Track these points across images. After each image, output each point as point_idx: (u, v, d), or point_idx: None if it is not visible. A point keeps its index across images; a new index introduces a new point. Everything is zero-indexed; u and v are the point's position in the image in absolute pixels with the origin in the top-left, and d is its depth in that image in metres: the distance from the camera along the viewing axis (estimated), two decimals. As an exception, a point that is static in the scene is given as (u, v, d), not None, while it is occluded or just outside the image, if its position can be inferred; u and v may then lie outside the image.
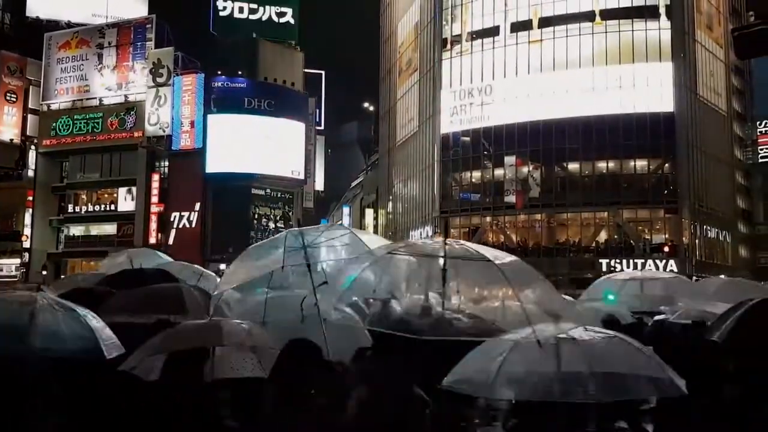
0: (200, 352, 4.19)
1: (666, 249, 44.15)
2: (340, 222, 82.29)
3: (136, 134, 51.39)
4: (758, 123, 60.07)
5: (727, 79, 55.68)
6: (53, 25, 56.88)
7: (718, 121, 53.07)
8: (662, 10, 46.74)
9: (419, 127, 58.10)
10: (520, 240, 48.98)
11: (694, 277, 44.96)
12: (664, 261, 43.75)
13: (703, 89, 50.33)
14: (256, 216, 50.26)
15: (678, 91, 46.07)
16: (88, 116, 53.48)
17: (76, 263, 53.82)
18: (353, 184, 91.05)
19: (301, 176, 52.43)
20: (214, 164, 48.62)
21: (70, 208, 53.96)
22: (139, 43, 52.57)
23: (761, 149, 59.48)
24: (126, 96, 52.85)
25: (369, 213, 68.41)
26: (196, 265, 9.62)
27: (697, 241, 47.34)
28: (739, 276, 53.02)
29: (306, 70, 57.45)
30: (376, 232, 65.66)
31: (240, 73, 51.37)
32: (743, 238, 56.98)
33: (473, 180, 52.22)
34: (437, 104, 53.72)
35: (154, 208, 50.00)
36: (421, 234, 56.03)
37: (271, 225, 50.77)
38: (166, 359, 4.07)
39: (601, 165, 47.32)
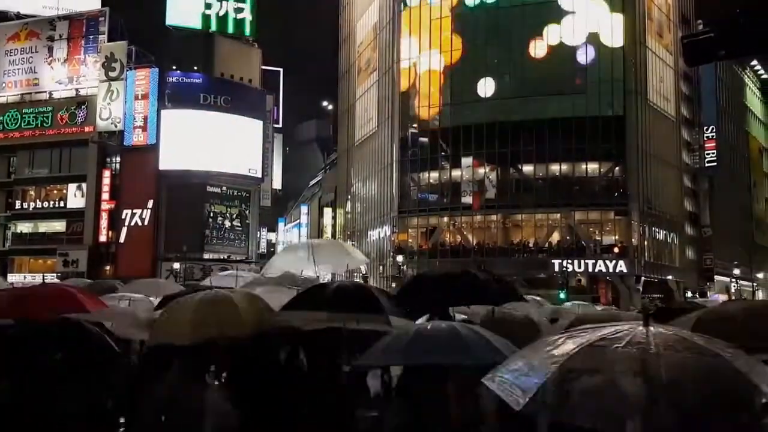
0: None
1: (616, 250, 45.30)
2: (298, 221, 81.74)
3: (87, 129, 50.18)
4: (705, 128, 62.02)
5: (676, 85, 57.39)
6: (2, 16, 54.96)
7: (667, 126, 54.65)
8: (615, 17, 47.91)
9: (378, 127, 58.19)
10: (476, 240, 49.55)
11: (643, 277, 46.58)
12: (614, 262, 44.94)
13: (653, 95, 51.79)
14: (212, 214, 49.56)
15: (629, 96, 47.32)
16: (37, 110, 51.96)
17: (23, 261, 52.22)
18: (312, 183, 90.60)
19: (259, 174, 51.93)
20: (167, 161, 47.75)
21: (18, 204, 52.34)
22: (91, 37, 51.31)
23: (708, 154, 61.43)
24: (77, 90, 51.54)
25: (327, 212, 68.21)
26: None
27: (645, 242, 48.69)
28: (687, 277, 54.49)
29: (264, 67, 56.89)
30: (334, 231, 65.55)
31: (195, 68, 50.54)
32: (690, 239, 58.81)
33: (431, 180, 52.60)
34: (396, 105, 53.93)
35: (104, 206, 48.88)
36: (379, 234, 56.18)
37: (227, 223, 50.17)
38: None
39: (555, 168, 48.27)
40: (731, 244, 63.78)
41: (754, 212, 77.31)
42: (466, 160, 49.55)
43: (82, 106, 50.68)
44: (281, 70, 64.13)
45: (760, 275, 67.09)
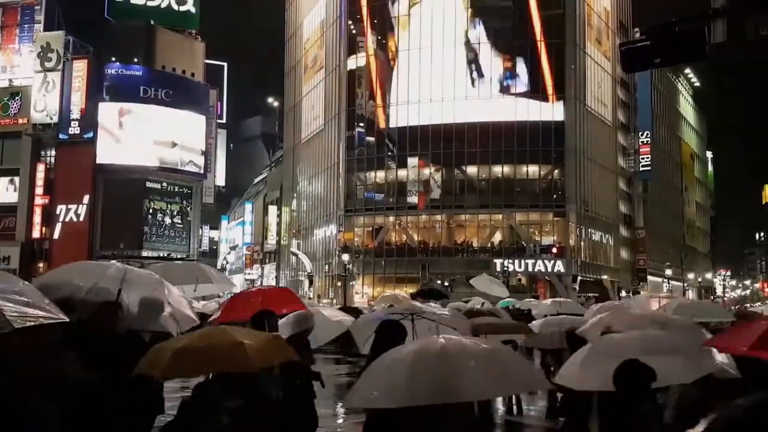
0: None
1: (554, 250, 46.57)
2: (242, 219, 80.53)
3: (20, 121, 48.21)
4: (640, 133, 64.38)
5: (614, 91, 59.34)
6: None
7: (604, 131, 56.46)
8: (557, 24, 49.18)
9: (325, 125, 58.01)
10: (421, 240, 50.01)
11: (579, 277, 47.90)
12: (552, 261, 46.16)
13: (592, 100, 53.42)
14: (151, 210, 48.36)
15: (568, 101, 48.67)
16: (-34, 100, 49.54)
17: (-52, 258, 49.73)
18: (256, 180, 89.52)
19: (201, 170, 50.95)
20: (105, 155, 46.35)
21: (-56, 198, 49.72)
22: (26, 25, 49.32)
23: (642, 158, 63.79)
24: (11, 80, 49.43)
25: (272, 210, 67.49)
26: None
27: (582, 243, 50.22)
28: (622, 277, 56.13)
29: (207, 61, 55.74)
30: (279, 229, 64.95)
31: (136, 60, 49.16)
32: (625, 241, 60.92)
33: (377, 180, 52.80)
34: (343, 103, 53.88)
35: (38, 200, 47.05)
36: (325, 232, 56.01)
37: (168, 220, 49.06)
38: None
39: (497, 169, 49.28)
40: (664, 245, 66.45)
41: (686, 215, 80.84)
42: (412, 161, 50.01)
43: (16, 97, 48.65)
44: (225, 64, 63.03)
45: (691, 276, 70.09)
